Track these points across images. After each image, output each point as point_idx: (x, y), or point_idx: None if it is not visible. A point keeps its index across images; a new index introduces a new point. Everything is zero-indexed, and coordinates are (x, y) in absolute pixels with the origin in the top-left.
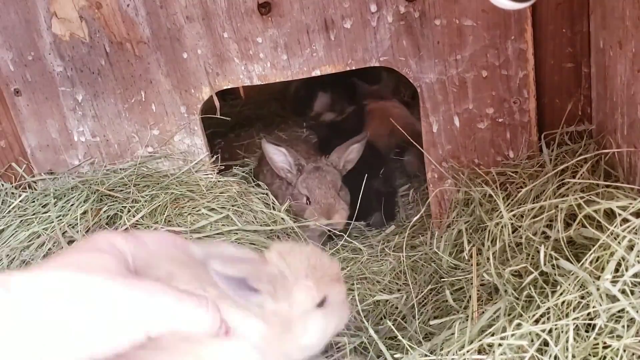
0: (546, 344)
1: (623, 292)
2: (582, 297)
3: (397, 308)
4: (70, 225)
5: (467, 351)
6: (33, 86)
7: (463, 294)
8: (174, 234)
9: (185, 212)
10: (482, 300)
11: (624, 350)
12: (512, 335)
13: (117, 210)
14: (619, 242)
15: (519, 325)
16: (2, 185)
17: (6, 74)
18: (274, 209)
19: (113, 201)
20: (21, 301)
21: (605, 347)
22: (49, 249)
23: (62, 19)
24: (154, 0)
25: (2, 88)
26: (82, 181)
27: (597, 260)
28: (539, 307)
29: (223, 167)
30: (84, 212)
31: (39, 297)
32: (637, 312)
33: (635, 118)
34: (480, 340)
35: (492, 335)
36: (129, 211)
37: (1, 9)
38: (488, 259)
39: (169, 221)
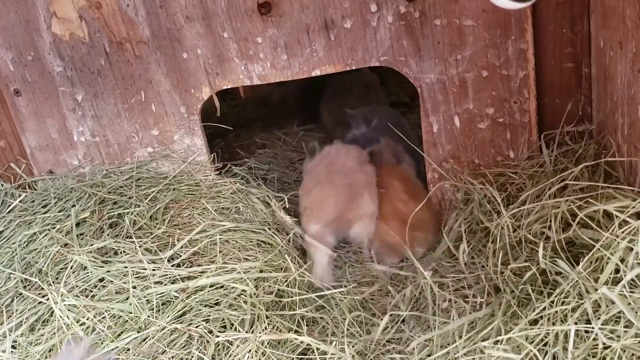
0: (545, 344)
1: (621, 292)
2: (581, 297)
3: (397, 307)
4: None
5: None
6: (33, 86)
7: (462, 294)
8: None
9: (186, 214)
10: (480, 302)
11: (623, 351)
12: (508, 339)
13: (120, 212)
14: (617, 244)
15: (511, 330)
16: (2, 185)
17: (6, 74)
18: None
19: (114, 203)
20: None
21: (605, 348)
22: (51, 255)
23: (61, 18)
24: (154, 0)
25: (2, 88)
26: (83, 185)
27: (596, 261)
28: (534, 310)
29: (221, 165)
30: (86, 216)
31: None
32: (636, 313)
33: (635, 118)
34: (475, 344)
35: (487, 339)
36: (132, 213)
37: (1, 9)
38: (487, 258)
39: (170, 222)
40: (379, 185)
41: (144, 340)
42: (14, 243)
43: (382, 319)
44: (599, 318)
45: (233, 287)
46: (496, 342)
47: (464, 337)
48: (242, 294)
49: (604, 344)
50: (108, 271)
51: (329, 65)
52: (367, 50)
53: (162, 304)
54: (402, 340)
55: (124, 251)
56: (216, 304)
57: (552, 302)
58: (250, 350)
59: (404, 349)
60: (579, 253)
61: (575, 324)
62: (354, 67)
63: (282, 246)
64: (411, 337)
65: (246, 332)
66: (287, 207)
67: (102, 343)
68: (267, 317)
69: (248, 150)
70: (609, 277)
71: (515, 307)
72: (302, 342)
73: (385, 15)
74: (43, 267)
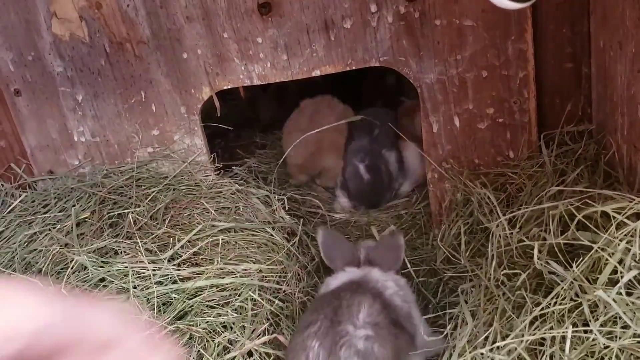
0: (542, 344)
1: (619, 293)
2: (578, 297)
3: None
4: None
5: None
6: (33, 86)
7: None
8: None
9: (186, 214)
10: (479, 304)
11: (622, 351)
12: (504, 346)
13: (120, 212)
14: (615, 245)
15: (508, 336)
16: (2, 185)
17: (6, 74)
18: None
19: (114, 203)
20: None
21: (604, 347)
22: (52, 255)
23: (62, 19)
24: (154, 1)
25: (2, 88)
26: (83, 185)
27: (593, 265)
28: (531, 312)
29: (221, 165)
30: (86, 216)
31: None
32: (634, 314)
33: (635, 118)
34: (473, 349)
35: (483, 345)
36: (132, 212)
37: (1, 9)
38: (486, 260)
39: (170, 222)
40: None
41: None
42: (14, 243)
43: None
44: (597, 319)
45: (234, 288)
46: (491, 350)
47: (461, 344)
48: (244, 295)
49: (602, 345)
50: (108, 271)
51: (329, 65)
52: (367, 51)
53: (163, 304)
54: None
55: (124, 251)
56: (217, 305)
57: (549, 304)
58: (250, 352)
59: None
60: (578, 254)
61: (574, 324)
62: (353, 67)
63: (285, 246)
64: None
65: (247, 337)
66: (287, 207)
67: None
68: (267, 319)
69: (248, 150)
70: (606, 279)
71: (510, 311)
72: None
73: (385, 16)
74: (43, 267)
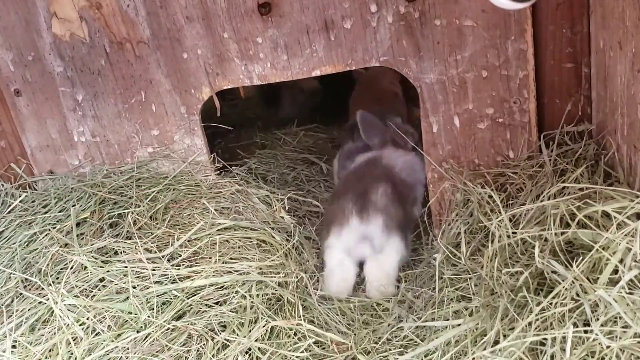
0: (543, 343)
1: (620, 293)
2: (579, 297)
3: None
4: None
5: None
6: (33, 86)
7: (461, 294)
8: None
9: (186, 214)
10: (479, 305)
11: (622, 351)
12: (504, 346)
13: (120, 212)
14: (616, 245)
15: (509, 336)
16: (2, 185)
17: (6, 74)
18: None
19: (114, 203)
20: None
21: (605, 347)
22: (52, 255)
23: (62, 19)
24: (154, 1)
25: (3, 88)
26: (83, 185)
27: (594, 265)
28: (531, 311)
29: (221, 165)
30: (86, 216)
31: None
32: (635, 314)
33: (635, 118)
34: (474, 352)
35: (484, 348)
36: (132, 212)
37: (1, 9)
38: (488, 259)
39: (170, 222)
40: None
41: (144, 339)
42: (14, 243)
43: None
44: (597, 319)
45: (232, 286)
46: (493, 352)
47: (461, 345)
48: (242, 293)
49: (603, 345)
50: (108, 271)
51: (329, 65)
52: (367, 51)
53: (162, 304)
54: (400, 336)
55: (124, 251)
56: (216, 303)
57: (550, 303)
58: (249, 350)
59: (405, 351)
60: (579, 254)
61: (575, 324)
62: (353, 68)
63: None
64: (410, 338)
65: (244, 335)
66: (287, 207)
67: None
68: (263, 316)
69: (248, 150)
70: (607, 279)
71: (511, 310)
72: (304, 335)
73: (385, 16)
74: (43, 267)
